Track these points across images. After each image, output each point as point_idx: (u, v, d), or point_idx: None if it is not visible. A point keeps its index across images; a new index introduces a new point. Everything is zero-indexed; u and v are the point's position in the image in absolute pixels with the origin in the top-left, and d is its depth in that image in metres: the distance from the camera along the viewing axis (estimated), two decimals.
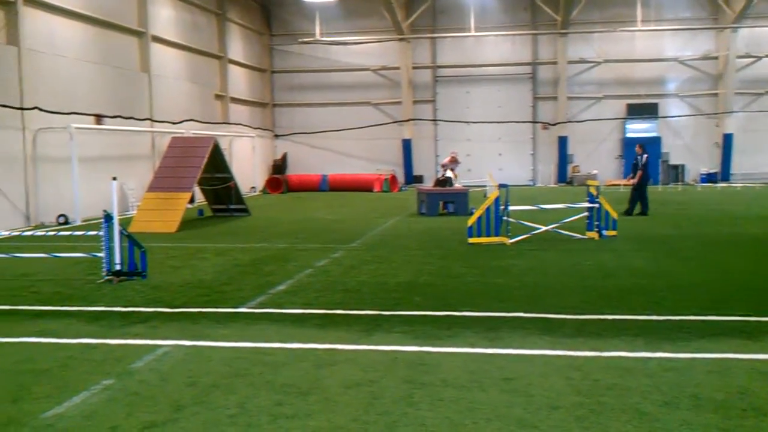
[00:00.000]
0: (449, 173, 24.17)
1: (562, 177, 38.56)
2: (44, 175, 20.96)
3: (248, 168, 34.99)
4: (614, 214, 15.62)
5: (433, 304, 8.96)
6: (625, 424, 5.02)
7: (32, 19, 20.85)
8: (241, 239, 16.35)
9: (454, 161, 25.15)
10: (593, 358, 6.60)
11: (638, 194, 20.48)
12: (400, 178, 38.47)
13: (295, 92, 40.68)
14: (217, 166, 21.46)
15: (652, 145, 36.81)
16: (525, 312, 8.44)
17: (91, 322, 8.37)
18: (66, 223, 20.80)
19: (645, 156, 20.68)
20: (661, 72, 38.16)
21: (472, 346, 7.04)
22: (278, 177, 36.76)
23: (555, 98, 38.51)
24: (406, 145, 39.40)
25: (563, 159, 38.62)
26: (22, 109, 20.03)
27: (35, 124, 20.63)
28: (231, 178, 21.98)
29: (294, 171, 39.44)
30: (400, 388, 5.82)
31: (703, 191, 32.06)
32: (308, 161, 39.92)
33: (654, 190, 31.67)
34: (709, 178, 37.30)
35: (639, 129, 38.25)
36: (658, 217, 20.00)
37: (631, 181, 20.94)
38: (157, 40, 27.92)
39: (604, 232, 15.23)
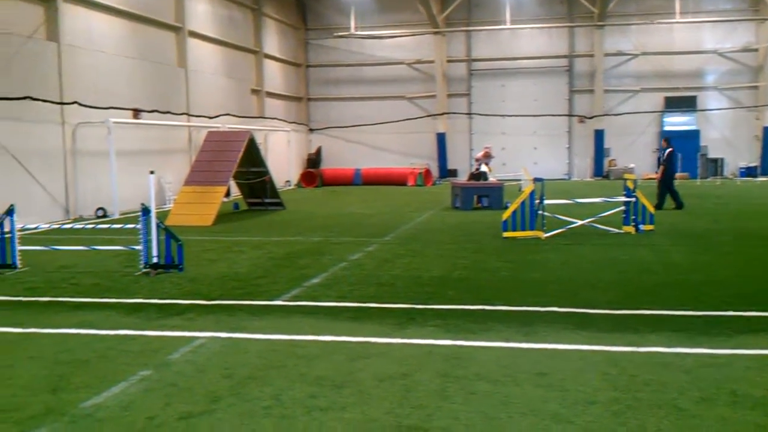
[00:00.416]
0: (483, 167, 24.08)
1: (598, 171, 38.18)
2: (83, 169, 21.28)
3: (283, 162, 35.18)
4: (651, 209, 15.44)
5: (467, 298, 8.93)
6: (661, 420, 4.96)
7: (71, 15, 21.16)
8: (276, 233, 16.44)
9: (488, 155, 25.06)
10: (630, 353, 6.53)
11: (665, 188, 20.20)
12: (434, 172, 38.39)
13: (330, 86, 40.77)
14: (252, 160, 21.59)
15: (690, 138, 36.43)
16: (560, 306, 8.38)
17: (129, 314, 8.48)
18: (104, 216, 21.10)
19: (668, 150, 20.36)
20: (699, 64, 37.57)
21: (507, 340, 7.01)
22: (313, 171, 36.89)
23: (591, 91, 38.13)
24: (441, 139, 39.30)
25: (599, 153, 38.24)
26: (61, 103, 20.35)
27: (74, 119, 20.96)
28: (266, 172, 22.10)
29: (328, 165, 39.55)
30: (433, 382, 5.81)
31: (742, 185, 31.53)
32: (342, 155, 40.01)
33: (692, 184, 31.28)
34: (749, 171, 36.65)
35: (677, 122, 37.73)
36: (696, 211, 19.73)
37: (656, 176, 20.71)
38: (194, 35, 28.18)
39: (641, 227, 15.06)
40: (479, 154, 25.64)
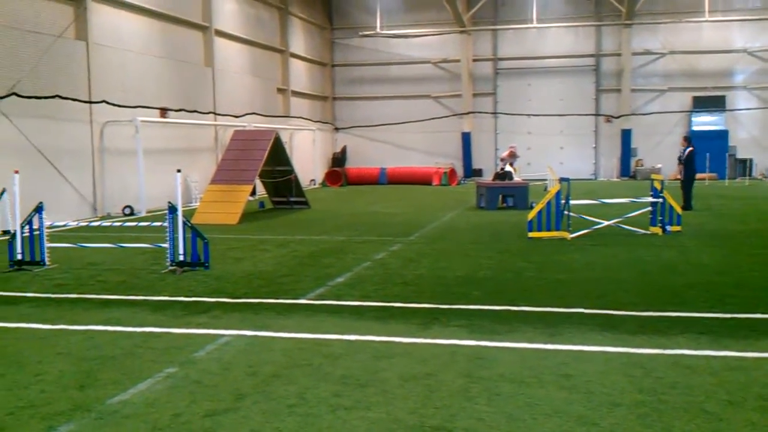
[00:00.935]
0: (508, 167, 24.01)
1: (624, 171, 37.88)
2: (111, 168, 21.50)
3: (308, 161, 35.29)
4: (678, 209, 15.30)
5: (492, 299, 8.91)
6: (688, 423, 4.92)
7: (100, 15, 21.37)
8: (301, 231, 16.50)
9: (513, 155, 24.98)
10: (656, 355, 6.48)
11: (687, 188, 19.95)
12: (459, 171, 38.30)
13: (356, 85, 40.82)
14: (278, 159, 21.68)
15: (719, 138, 36.00)
16: (586, 308, 8.33)
17: (155, 312, 8.56)
18: (131, 214, 21.30)
19: (687, 150, 20.07)
20: (728, 63, 37.11)
21: (531, 341, 6.98)
22: (337, 170, 36.96)
23: (618, 90, 37.84)
24: (466, 139, 39.21)
25: (626, 152, 37.93)
26: (90, 102, 20.57)
27: (102, 118, 21.17)
28: (291, 171, 22.19)
29: (353, 164, 39.61)
30: (457, 382, 5.80)
31: None
32: (367, 154, 40.05)
33: (720, 185, 30.98)
34: None
35: (705, 122, 37.30)
36: (724, 212, 19.51)
37: (677, 176, 20.48)
38: (221, 34, 28.34)
39: (668, 228, 14.93)
40: (504, 154, 25.55)
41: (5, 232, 16.14)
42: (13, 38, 17.98)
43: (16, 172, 12.14)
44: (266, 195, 23.91)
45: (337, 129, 41.12)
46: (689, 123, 37.45)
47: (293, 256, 12.76)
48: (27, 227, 11.78)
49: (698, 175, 20.22)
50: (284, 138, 26.55)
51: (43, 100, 18.66)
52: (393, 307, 8.59)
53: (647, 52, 37.64)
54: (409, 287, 9.74)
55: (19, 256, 11.68)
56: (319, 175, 36.89)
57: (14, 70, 17.93)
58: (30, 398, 5.59)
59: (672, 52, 37.31)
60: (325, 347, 6.88)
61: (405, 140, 39.75)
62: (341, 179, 35.91)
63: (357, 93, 40.79)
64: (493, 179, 24.48)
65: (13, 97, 17.77)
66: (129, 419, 5.12)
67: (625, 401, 5.34)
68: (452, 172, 36.04)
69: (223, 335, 7.39)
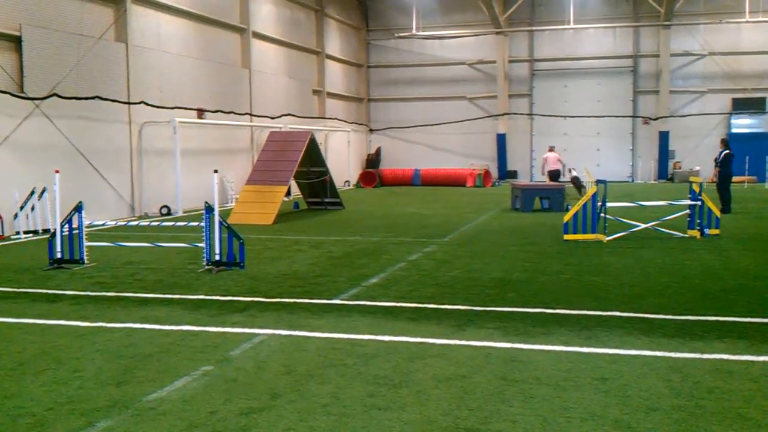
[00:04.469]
0: (574, 172, 24.85)
1: (662, 173, 37.43)
2: (148, 168, 21.77)
3: (343, 162, 35.40)
4: (717, 212, 15.08)
5: (527, 301, 8.86)
6: (726, 429, 4.84)
7: (139, 17, 21.66)
8: (335, 232, 16.55)
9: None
10: (693, 360, 6.39)
11: (723, 191, 19.64)
12: (494, 173, 38.15)
13: (391, 87, 40.86)
14: (313, 160, 21.78)
15: (759, 140, 35.39)
16: (622, 311, 8.24)
17: (191, 310, 8.65)
18: (168, 213, 21.54)
19: (723, 152, 19.74)
20: None
21: (567, 344, 6.93)
22: (372, 171, 37.01)
23: (656, 92, 37.40)
24: (501, 140, 39.03)
25: (664, 155, 37.48)
26: (128, 103, 20.85)
27: (141, 118, 21.45)
28: (326, 172, 22.27)
29: (387, 165, 39.63)
30: (492, 384, 5.78)
31: None
32: (402, 156, 40.06)
33: (761, 188, 30.45)
34: None
35: (745, 124, 36.73)
36: (764, 215, 19.19)
37: (712, 179, 20.20)
38: (258, 36, 28.55)
39: (707, 231, 14.72)
40: (553, 156, 25.90)
41: (46, 231, 16.44)
42: (55, 40, 18.28)
43: (57, 171, 12.35)
44: (301, 196, 24.02)
45: (371, 130, 41.19)
46: (728, 125, 36.88)
47: (327, 256, 12.80)
48: (67, 226, 11.98)
49: (737, 178, 19.84)
50: (319, 139, 26.69)
51: (83, 101, 18.96)
52: (427, 308, 8.58)
53: (686, 54, 37.13)
54: (444, 289, 9.72)
55: (59, 255, 11.87)
56: (354, 176, 36.97)
57: (55, 71, 18.24)
58: (69, 394, 5.68)
59: (711, 54, 36.77)
60: (359, 347, 6.90)
61: (439, 142, 39.70)
62: (375, 180, 35.95)
63: (392, 94, 40.82)
64: (551, 180, 25.32)
65: (55, 98, 18.08)
66: (165, 416, 5.18)
67: (662, 406, 5.28)
68: (486, 173, 35.91)
69: (258, 334, 7.44)
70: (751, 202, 23.25)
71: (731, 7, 35.40)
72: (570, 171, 25.87)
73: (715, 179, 19.92)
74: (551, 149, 26.80)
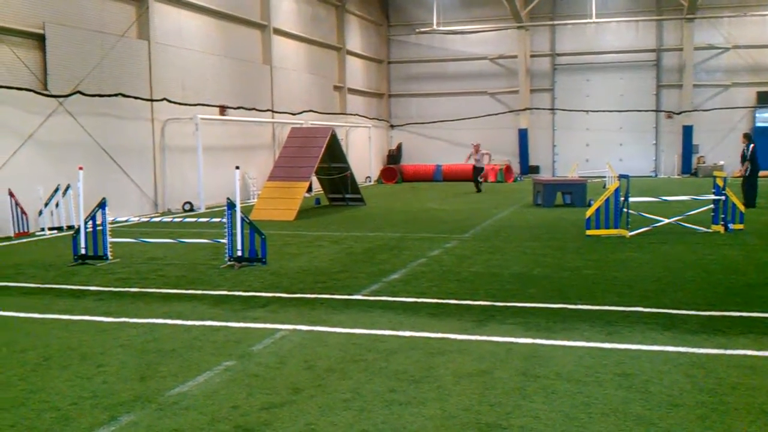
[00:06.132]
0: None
1: (686, 168, 37.09)
2: (171, 164, 21.91)
3: (364, 158, 35.43)
4: (741, 207, 14.93)
5: (548, 297, 8.82)
6: (750, 425, 4.80)
7: (161, 14, 21.79)
8: (356, 228, 16.58)
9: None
10: (717, 355, 6.34)
11: (749, 185, 19.47)
12: (516, 168, 38.01)
13: (411, 82, 40.81)
14: (334, 156, 21.81)
15: None
16: (644, 307, 8.19)
17: (214, 306, 8.70)
18: (191, 210, 21.67)
19: (751, 146, 19.57)
20: None
21: (588, 340, 6.89)
22: (393, 167, 37.01)
23: (680, 86, 37.03)
24: (522, 135, 38.87)
25: (687, 149, 37.11)
26: (151, 100, 20.99)
27: (163, 115, 21.59)
28: (347, 168, 22.30)
29: (408, 161, 39.62)
30: (513, 380, 5.77)
31: None
32: (423, 151, 40.01)
33: None
34: None
35: None
36: None
37: (740, 174, 19.99)
38: (279, 32, 28.62)
39: (731, 226, 14.58)
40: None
41: (70, 227, 16.61)
42: (79, 38, 18.45)
43: (81, 168, 12.46)
44: (322, 192, 24.08)
45: (392, 126, 41.17)
46: (753, 119, 36.47)
47: (348, 252, 12.82)
48: (90, 222, 12.09)
49: (761, 173, 19.66)
50: (340, 135, 26.73)
51: (106, 98, 19.12)
52: (448, 304, 8.57)
53: (710, 47, 36.73)
54: (465, 284, 9.71)
55: (83, 251, 11.99)
56: (375, 172, 36.98)
57: (79, 69, 18.41)
58: (92, 389, 5.74)
59: (736, 47, 36.34)
60: (380, 343, 6.91)
61: (461, 137, 39.56)
62: (396, 176, 35.95)
63: (413, 90, 40.77)
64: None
65: (78, 95, 18.25)
66: (188, 411, 5.21)
67: (684, 402, 5.24)
68: (508, 168, 35.76)
69: (279, 329, 7.47)
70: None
71: (756, 0, 34.97)
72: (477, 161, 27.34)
73: (744, 173, 19.72)
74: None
